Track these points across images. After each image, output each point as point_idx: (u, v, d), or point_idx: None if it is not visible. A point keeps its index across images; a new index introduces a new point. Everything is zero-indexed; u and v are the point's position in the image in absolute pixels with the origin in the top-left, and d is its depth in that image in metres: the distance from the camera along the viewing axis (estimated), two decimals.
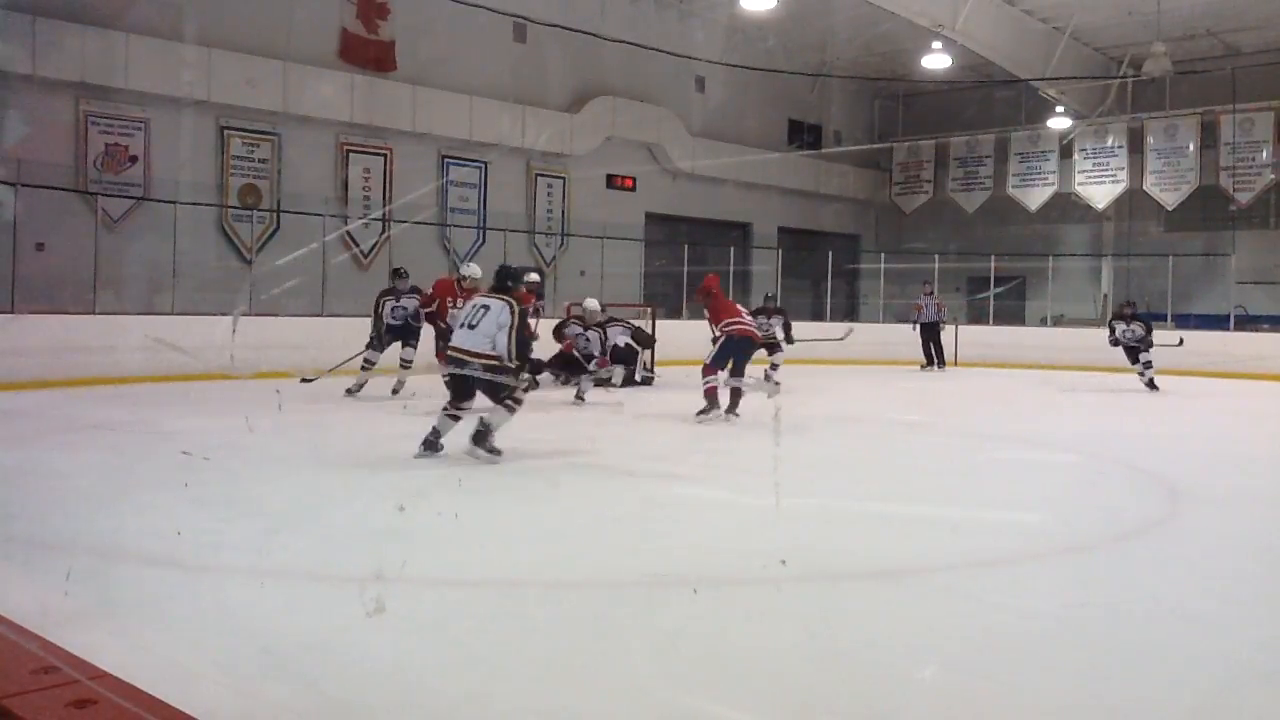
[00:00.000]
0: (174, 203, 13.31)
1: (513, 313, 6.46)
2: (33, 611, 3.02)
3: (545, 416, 9.49)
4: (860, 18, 17.95)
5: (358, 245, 15.78)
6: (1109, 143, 21.64)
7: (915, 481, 6.66)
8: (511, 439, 8.01)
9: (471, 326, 6.55)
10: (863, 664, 3.17)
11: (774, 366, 12.45)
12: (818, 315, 19.42)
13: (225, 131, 14.60)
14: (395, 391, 10.08)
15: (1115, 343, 12.98)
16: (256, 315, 12.25)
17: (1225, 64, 20.14)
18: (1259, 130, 19.72)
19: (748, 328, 8.97)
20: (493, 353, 6.43)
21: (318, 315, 13.18)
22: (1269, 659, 3.35)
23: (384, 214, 16.40)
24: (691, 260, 18.62)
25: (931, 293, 17.03)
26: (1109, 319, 13.31)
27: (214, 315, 11.92)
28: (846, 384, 13.61)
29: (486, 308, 6.57)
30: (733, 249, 20.26)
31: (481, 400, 6.65)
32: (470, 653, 3.20)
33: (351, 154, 15.98)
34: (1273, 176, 19.65)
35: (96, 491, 5.56)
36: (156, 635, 3.23)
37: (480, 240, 17.36)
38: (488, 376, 6.45)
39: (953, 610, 3.74)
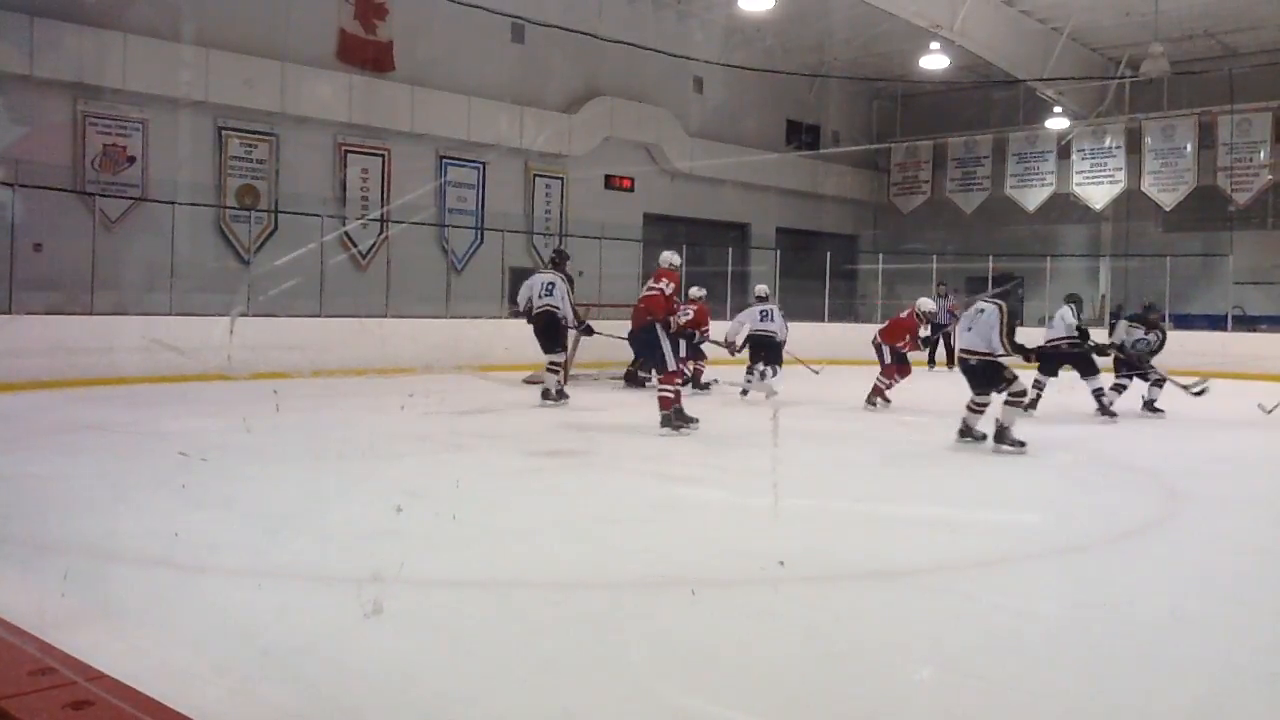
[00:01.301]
0: (172, 203, 13.29)
1: (1002, 313, 7.58)
2: (30, 613, 3.02)
3: (544, 417, 9.48)
4: (858, 18, 17.94)
5: (356, 246, 15.77)
6: (1107, 143, 21.64)
7: (914, 481, 6.66)
8: (512, 439, 8.02)
9: (969, 329, 7.73)
10: (861, 664, 3.16)
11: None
12: (816, 316, 19.39)
13: (223, 132, 14.58)
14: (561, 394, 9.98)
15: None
16: (254, 316, 12.22)
17: (1223, 65, 20.14)
18: (1256, 131, 19.72)
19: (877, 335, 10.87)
20: (987, 350, 7.57)
21: (316, 316, 13.16)
22: (1268, 660, 3.35)
23: (382, 214, 16.38)
24: (690, 261, 18.51)
25: (946, 294, 17.02)
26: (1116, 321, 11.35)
27: (212, 316, 11.90)
28: (845, 384, 13.59)
29: (982, 310, 7.72)
30: (731, 249, 20.25)
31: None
32: (469, 653, 3.19)
33: (350, 154, 15.97)
34: (1270, 177, 19.65)
35: (93, 493, 5.54)
36: (154, 636, 3.23)
37: (478, 241, 17.36)
38: (986, 373, 7.63)
39: (951, 610, 3.73)
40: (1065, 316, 10.33)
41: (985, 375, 7.69)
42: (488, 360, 13.49)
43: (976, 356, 7.71)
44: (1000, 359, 7.59)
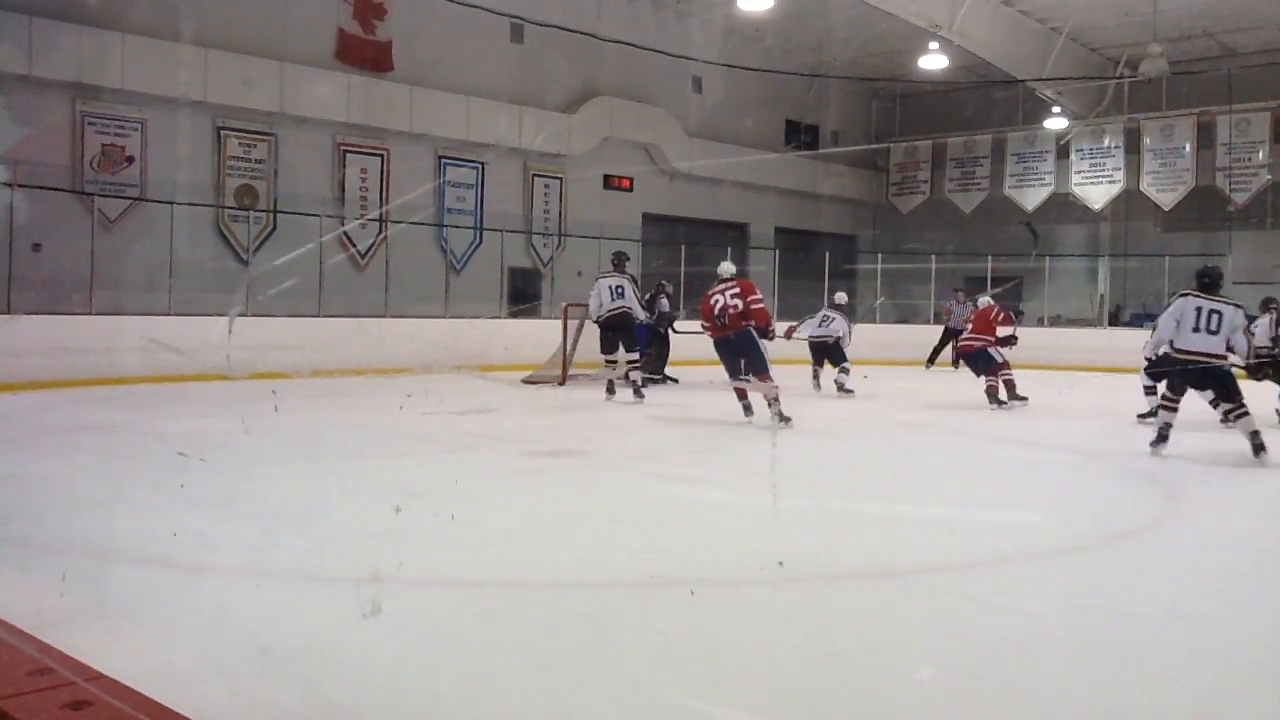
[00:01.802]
0: (171, 203, 13.29)
1: (1245, 314, 7.30)
2: (28, 613, 3.01)
3: (544, 419, 9.49)
4: (857, 18, 17.96)
5: (355, 246, 15.77)
6: (1106, 143, 21.66)
7: (914, 481, 6.66)
8: (511, 439, 8.01)
9: (1212, 332, 7.21)
10: (860, 665, 3.16)
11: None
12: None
13: (222, 132, 14.58)
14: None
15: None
16: (253, 316, 12.22)
17: (1222, 65, 20.16)
18: (1255, 131, 19.73)
19: (964, 341, 11.29)
20: (1223, 353, 7.18)
21: (314, 316, 13.16)
22: (1268, 659, 3.34)
23: (381, 214, 16.38)
24: (689, 261, 18.61)
25: (964, 301, 17.04)
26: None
27: (210, 316, 11.90)
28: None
29: (1218, 312, 7.21)
30: (730, 249, 20.19)
31: None
32: (467, 654, 3.18)
33: (348, 154, 15.96)
34: (1269, 177, 19.66)
35: (92, 493, 5.54)
36: (153, 637, 3.22)
37: (477, 241, 17.35)
38: (1221, 378, 7.23)
39: (951, 611, 3.73)
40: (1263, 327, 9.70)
41: (1217, 380, 7.22)
42: (487, 360, 13.49)
43: (1217, 359, 7.19)
44: (1232, 367, 7.17)
